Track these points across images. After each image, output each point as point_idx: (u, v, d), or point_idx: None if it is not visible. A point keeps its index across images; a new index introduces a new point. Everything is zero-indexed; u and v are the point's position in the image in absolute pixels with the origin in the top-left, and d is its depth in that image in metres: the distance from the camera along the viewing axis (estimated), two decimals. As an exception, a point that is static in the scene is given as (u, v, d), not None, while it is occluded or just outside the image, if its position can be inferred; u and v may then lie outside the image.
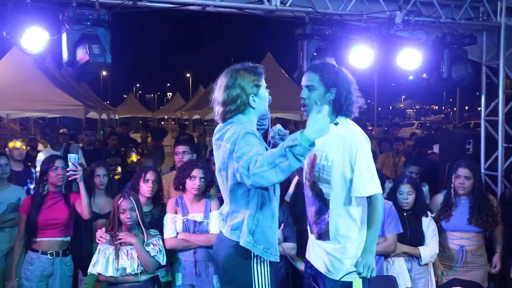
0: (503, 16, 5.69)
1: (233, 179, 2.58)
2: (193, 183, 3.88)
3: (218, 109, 2.70)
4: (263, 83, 2.72)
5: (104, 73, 35.13)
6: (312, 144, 2.29)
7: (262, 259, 2.63)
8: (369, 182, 2.72)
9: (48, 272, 4.09)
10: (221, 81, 2.69)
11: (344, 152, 2.74)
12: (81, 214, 4.20)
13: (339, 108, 2.82)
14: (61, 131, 9.89)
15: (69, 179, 4.11)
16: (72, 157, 4.11)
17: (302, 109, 2.90)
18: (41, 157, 6.33)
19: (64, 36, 4.35)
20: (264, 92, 2.73)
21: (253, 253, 2.61)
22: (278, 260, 2.69)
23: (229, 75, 2.67)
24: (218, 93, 2.69)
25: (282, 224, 3.84)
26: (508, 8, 5.69)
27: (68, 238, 4.23)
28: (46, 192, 4.17)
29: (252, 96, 2.65)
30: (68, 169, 4.06)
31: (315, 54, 5.21)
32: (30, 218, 4.07)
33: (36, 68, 10.73)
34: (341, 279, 2.77)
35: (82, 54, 4.32)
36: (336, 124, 2.82)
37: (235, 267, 2.65)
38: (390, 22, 5.34)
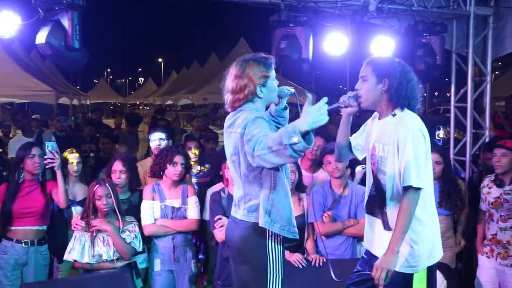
0: (472, 5, 5.82)
1: (245, 162, 2.67)
2: (175, 169, 3.90)
3: (227, 97, 2.81)
4: (272, 74, 2.79)
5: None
6: (310, 140, 2.35)
7: (276, 240, 2.72)
8: (409, 175, 2.64)
9: (22, 261, 4.05)
10: (232, 70, 2.80)
11: (394, 143, 2.73)
12: (57, 203, 4.16)
13: (394, 99, 2.79)
14: (33, 117, 9.74)
15: (47, 167, 4.06)
16: (50, 144, 4.05)
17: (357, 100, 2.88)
18: (12, 143, 6.23)
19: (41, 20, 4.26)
20: (272, 83, 2.79)
21: (268, 234, 2.70)
22: (297, 237, 2.80)
23: (239, 65, 2.78)
24: (228, 82, 2.80)
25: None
26: (477, -3, 5.84)
27: (44, 227, 4.18)
28: (22, 180, 4.11)
29: (260, 87, 2.73)
30: (46, 157, 4.00)
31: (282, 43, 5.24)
32: (4, 206, 4.01)
33: (3, 52, 10.46)
34: (399, 271, 2.71)
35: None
36: (394, 115, 2.81)
37: (251, 248, 2.74)
38: (364, 9, 5.41)
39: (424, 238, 2.75)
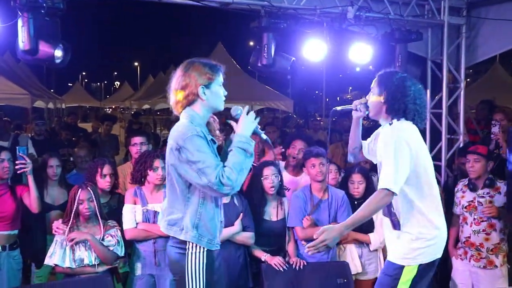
0: (446, 15, 5.99)
1: (174, 175, 2.72)
2: (156, 174, 3.89)
3: (171, 98, 2.81)
4: (218, 79, 2.80)
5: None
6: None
7: (198, 254, 2.73)
8: (386, 179, 2.76)
9: None
10: (177, 71, 2.81)
11: (382, 149, 2.91)
12: (29, 207, 4.09)
13: (391, 110, 2.96)
14: (4, 119, 9.54)
15: (18, 172, 3.97)
16: (21, 149, 4.00)
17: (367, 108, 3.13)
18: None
19: (19, 24, 4.21)
20: (218, 88, 2.79)
21: (188, 247, 2.72)
22: (218, 248, 2.84)
23: (184, 65, 2.78)
24: (172, 81, 2.80)
25: (241, 213, 3.93)
26: (450, 7, 6.01)
27: (16, 232, 4.11)
28: None
29: (203, 88, 2.72)
30: (17, 162, 3.93)
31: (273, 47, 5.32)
32: None
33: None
34: (393, 261, 2.96)
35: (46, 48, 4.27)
36: (390, 124, 2.98)
37: (173, 259, 2.79)
38: (342, 17, 5.52)
39: (425, 236, 2.89)
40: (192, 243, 2.71)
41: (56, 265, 3.69)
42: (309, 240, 4.12)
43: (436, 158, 6.23)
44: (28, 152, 5.98)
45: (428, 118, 6.30)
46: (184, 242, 2.72)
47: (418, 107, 2.95)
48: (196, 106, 2.76)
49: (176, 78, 2.77)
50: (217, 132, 2.88)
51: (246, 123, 2.75)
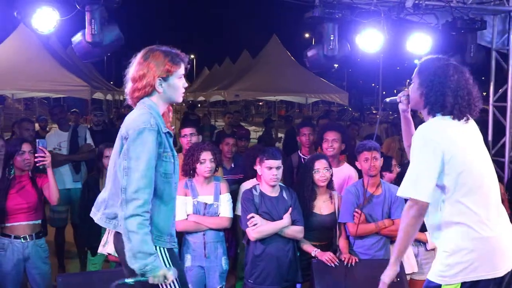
0: (514, 1, 5.65)
1: (117, 164, 2.54)
2: (205, 166, 3.89)
3: (128, 86, 2.65)
4: (178, 71, 2.63)
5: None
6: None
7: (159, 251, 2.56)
8: (404, 183, 2.54)
9: (23, 256, 4.05)
10: (136, 58, 2.64)
11: None
12: (48, 199, 4.16)
13: (427, 103, 2.63)
14: (72, 110, 9.93)
15: (37, 165, 3.99)
16: (40, 142, 4.01)
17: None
18: (49, 137, 6.36)
19: (87, 16, 4.34)
20: (176, 81, 2.63)
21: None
22: (176, 247, 2.67)
23: (144, 53, 2.63)
24: (130, 69, 2.64)
25: (290, 207, 3.87)
26: (519, -7, 5.65)
27: (39, 221, 4.17)
28: (13, 176, 4.08)
29: (160, 80, 2.57)
30: (36, 154, 3.96)
31: (332, 37, 5.21)
32: None
33: (42, 48, 10.67)
34: (429, 279, 2.63)
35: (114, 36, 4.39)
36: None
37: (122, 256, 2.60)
38: (401, 6, 5.32)
39: (463, 249, 2.49)
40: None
41: (109, 254, 3.77)
42: (361, 236, 4.03)
43: (499, 154, 5.92)
44: (86, 142, 6.23)
45: (490, 111, 6.00)
46: None
47: (460, 99, 2.56)
48: (153, 97, 2.61)
49: (134, 67, 2.61)
50: (170, 124, 2.71)
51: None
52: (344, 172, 4.57)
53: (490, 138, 5.92)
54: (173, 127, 2.76)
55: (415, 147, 2.55)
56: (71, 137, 6.20)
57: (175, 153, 2.66)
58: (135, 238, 2.41)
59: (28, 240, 4.07)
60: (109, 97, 16.99)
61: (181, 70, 2.66)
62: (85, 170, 6.15)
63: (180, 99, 2.71)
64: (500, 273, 2.48)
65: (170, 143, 2.64)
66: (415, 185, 2.48)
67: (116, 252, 2.81)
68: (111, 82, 22.91)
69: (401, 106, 2.95)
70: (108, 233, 3.82)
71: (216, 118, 21.62)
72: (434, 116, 2.62)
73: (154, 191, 2.52)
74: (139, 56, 2.63)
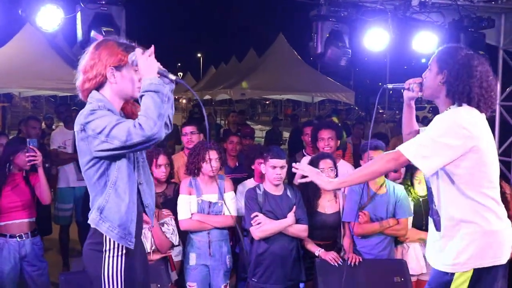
0: (523, -1, 5.58)
1: (87, 164, 2.37)
2: (210, 165, 3.87)
3: (78, 78, 2.46)
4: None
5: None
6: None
7: (116, 252, 2.37)
8: (414, 151, 2.45)
9: (19, 255, 4.06)
10: (87, 49, 2.47)
11: None
12: (40, 199, 4.16)
13: (452, 92, 2.54)
14: (73, 108, 9.95)
15: (28, 164, 4.00)
16: (31, 141, 4.02)
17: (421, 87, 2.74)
18: (54, 135, 6.39)
19: (78, 15, 4.33)
20: (132, 73, 2.42)
21: (106, 244, 2.36)
22: (131, 247, 2.40)
23: (96, 43, 2.47)
24: (81, 60, 2.46)
25: (294, 206, 3.85)
26: (527, -9, 5.59)
27: (34, 219, 4.18)
28: (8, 174, 4.08)
29: (112, 69, 2.38)
30: (27, 154, 3.96)
31: (327, 35, 5.17)
32: None
33: (48, 46, 10.69)
34: (439, 269, 2.61)
35: (96, 36, 4.32)
36: (448, 110, 2.60)
37: (87, 258, 2.44)
38: (407, 4, 5.26)
39: (473, 235, 2.49)
40: (110, 240, 2.35)
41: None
42: (365, 236, 4.01)
43: (506, 153, 5.87)
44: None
45: (497, 111, 5.94)
46: (100, 241, 2.37)
47: (484, 91, 2.50)
48: (104, 90, 2.42)
49: (86, 57, 2.43)
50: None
51: (145, 64, 2.30)
52: (341, 169, 4.54)
53: (497, 137, 5.87)
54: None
55: (441, 126, 2.46)
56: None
57: None
58: (147, 113, 2.19)
59: (24, 238, 4.08)
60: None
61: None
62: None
63: (137, 94, 2.39)
64: (504, 260, 2.51)
65: None
66: (426, 159, 2.43)
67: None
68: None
69: (408, 94, 2.84)
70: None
71: (222, 116, 21.61)
72: (459, 105, 2.55)
73: (117, 177, 2.37)
74: (91, 46, 2.46)
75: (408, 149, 2.47)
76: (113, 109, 2.40)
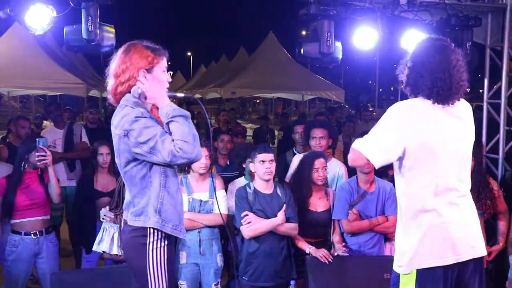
0: (509, -2, 5.64)
1: (128, 164, 2.52)
2: (200, 162, 3.88)
3: (109, 83, 2.59)
4: (162, 64, 2.60)
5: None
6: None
7: (160, 243, 2.54)
8: (361, 140, 2.51)
9: (34, 252, 4.11)
10: (116, 53, 2.60)
11: None
12: (51, 197, 4.20)
13: (409, 85, 2.53)
14: (66, 108, 9.91)
15: (39, 164, 4.03)
16: (41, 141, 4.03)
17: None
18: (44, 134, 6.35)
19: (83, 13, 4.36)
20: (160, 73, 2.58)
21: (149, 237, 2.53)
22: (183, 236, 2.67)
23: (125, 48, 2.59)
24: (111, 66, 2.59)
25: (284, 204, 3.87)
26: (514, -11, 5.64)
27: (48, 216, 4.23)
28: (24, 172, 4.12)
29: (143, 72, 2.52)
30: (37, 154, 3.98)
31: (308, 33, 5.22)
32: (6, 198, 4.04)
33: (37, 46, 10.63)
34: (393, 269, 2.58)
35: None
36: None
37: (132, 252, 2.60)
38: (395, 3, 5.30)
39: (411, 236, 2.46)
40: (154, 233, 2.52)
41: (104, 252, 3.77)
42: (355, 233, 4.05)
43: (493, 151, 5.93)
44: (81, 140, 6.22)
45: (485, 108, 6.00)
46: (143, 235, 2.52)
47: (439, 82, 2.40)
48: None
49: (116, 62, 2.56)
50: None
51: (153, 92, 2.50)
52: (333, 167, 4.57)
53: (484, 135, 5.93)
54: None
55: (382, 117, 2.49)
56: (66, 135, 6.20)
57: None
58: (183, 137, 2.40)
59: (39, 235, 4.12)
60: (105, 94, 16.90)
61: (164, 62, 2.61)
62: (80, 168, 6.14)
63: (164, 93, 2.60)
64: (449, 261, 2.42)
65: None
66: (367, 142, 2.47)
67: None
68: (107, 80, 22.77)
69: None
70: (103, 231, 3.83)
71: (212, 115, 21.60)
72: (415, 97, 2.51)
73: (165, 180, 2.55)
74: (119, 51, 2.58)
75: (361, 144, 2.50)
76: (147, 111, 2.53)
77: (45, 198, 4.17)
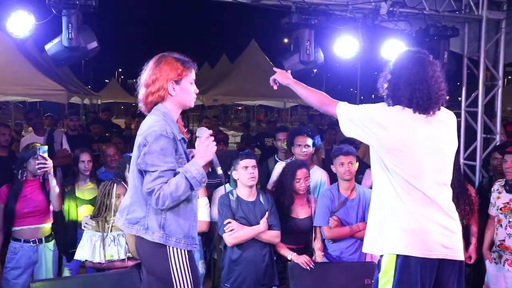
0: (485, 9, 5.78)
1: (137, 172, 2.63)
2: None
3: (141, 92, 2.72)
4: (190, 75, 2.71)
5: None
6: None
7: (178, 249, 2.63)
8: (348, 106, 2.75)
9: (33, 259, 4.12)
10: (147, 65, 2.73)
11: None
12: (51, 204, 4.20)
13: (388, 97, 2.64)
14: (46, 115, 9.79)
15: (39, 171, 4.04)
16: (41, 149, 4.03)
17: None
18: (24, 142, 6.29)
19: (64, 20, 4.34)
20: (188, 85, 2.71)
21: (168, 248, 2.62)
22: (196, 249, 2.75)
23: (156, 59, 2.72)
24: (142, 76, 2.72)
25: (267, 212, 3.90)
26: (489, 1, 5.79)
27: (49, 224, 4.24)
28: (24, 180, 4.13)
29: (172, 83, 2.65)
30: (37, 161, 3.99)
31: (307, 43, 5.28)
32: (7, 207, 4.04)
33: (17, 52, 10.49)
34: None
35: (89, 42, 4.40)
36: None
37: (154, 259, 2.67)
38: (375, 12, 5.41)
39: (391, 224, 2.58)
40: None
41: (86, 260, 3.75)
42: (336, 240, 4.09)
43: (471, 158, 6.06)
44: (62, 147, 6.17)
45: (463, 116, 6.13)
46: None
47: (418, 93, 2.52)
48: (167, 102, 2.68)
49: (147, 72, 2.69)
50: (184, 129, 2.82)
51: (204, 150, 2.66)
52: (315, 174, 4.61)
53: (462, 142, 6.05)
54: (187, 133, 2.84)
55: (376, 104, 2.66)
56: (46, 142, 6.14)
57: (190, 158, 2.72)
58: (172, 195, 2.51)
59: (38, 243, 4.12)
60: (86, 101, 16.80)
61: (192, 74, 2.74)
62: (61, 176, 6.08)
63: (192, 104, 2.77)
64: (433, 255, 2.51)
65: (184, 149, 2.72)
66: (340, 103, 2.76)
67: (138, 256, 2.90)
68: (89, 86, 22.62)
69: None
70: (86, 239, 3.80)
71: (194, 122, 21.54)
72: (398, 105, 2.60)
73: None
74: (151, 62, 2.71)
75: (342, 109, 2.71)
76: (173, 121, 2.67)
77: (46, 206, 4.18)
